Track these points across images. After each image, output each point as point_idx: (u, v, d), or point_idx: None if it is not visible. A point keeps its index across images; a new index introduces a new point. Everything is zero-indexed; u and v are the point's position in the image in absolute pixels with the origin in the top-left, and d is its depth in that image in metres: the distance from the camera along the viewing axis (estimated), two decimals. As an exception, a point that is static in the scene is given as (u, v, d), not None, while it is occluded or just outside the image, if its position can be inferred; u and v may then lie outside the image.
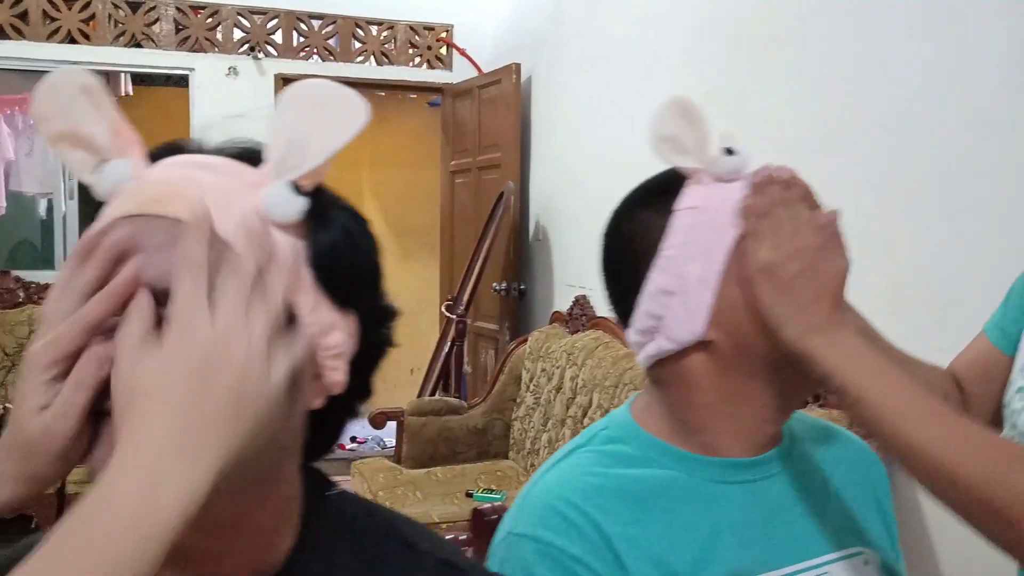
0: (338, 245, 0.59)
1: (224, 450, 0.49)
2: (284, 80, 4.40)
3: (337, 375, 0.60)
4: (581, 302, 3.32)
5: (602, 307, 3.19)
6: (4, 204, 4.36)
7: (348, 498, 0.68)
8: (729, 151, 0.79)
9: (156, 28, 4.20)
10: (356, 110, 0.59)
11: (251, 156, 0.59)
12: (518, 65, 3.89)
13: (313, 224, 0.59)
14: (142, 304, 0.51)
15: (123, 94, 5.19)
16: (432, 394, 3.78)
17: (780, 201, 0.76)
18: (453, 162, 4.50)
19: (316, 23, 4.45)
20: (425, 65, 4.64)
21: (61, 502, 3.33)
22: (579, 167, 3.49)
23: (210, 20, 4.28)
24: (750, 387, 0.79)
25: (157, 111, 5.18)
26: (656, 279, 0.78)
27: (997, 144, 1.58)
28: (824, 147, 2.03)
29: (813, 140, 2.06)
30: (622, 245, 0.82)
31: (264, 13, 4.35)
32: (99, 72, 3.97)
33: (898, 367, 0.73)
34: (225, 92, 4.28)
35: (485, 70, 4.36)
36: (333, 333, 0.59)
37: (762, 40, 2.28)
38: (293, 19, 4.41)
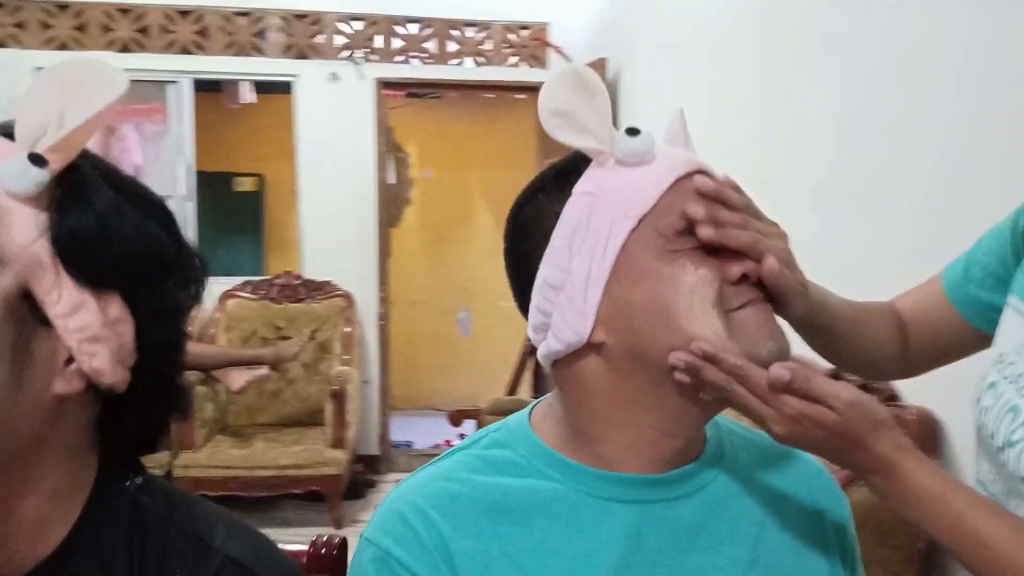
0: (83, 225, 0.58)
1: None
2: (383, 84, 4.51)
3: (96, 361, 0.59)
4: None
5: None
6: (132, 207, 4.71)
7: (153, 489, 0.67)
8: (632, 131, 0.70)
9: (263, 37, 4.42)
10: (108, 83, 0.59)
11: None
12: (603, 60, 3.80)
13: (63, 201, 0.58)
14: None
15: (245, 102, 5.50)
16: (512, 393, 3.76)
17: (727, 385, 0.67)
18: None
19: (413, 27, 4.53)
20: (523, 64, 4.62)
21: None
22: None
23: (313, 28, 4.45)
24: (647, 396, 0.70)
25: (277, 117, 5.45)
26: (544, 271, 0.72)
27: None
28: (874, 136, 1.86)
29: (865, 130, 1.89)
30: (519, 232, 0.75)
31: (364, 19, 4.48)
32: (217, 81, 4.20)
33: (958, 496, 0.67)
34: (327, 97, 4.44)
35: (579, 66, 4.29)
36: (79, 314, 0.58)
37: (805, 32, 2.12)
38: (391, 24, 4.51)
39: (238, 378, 3.71)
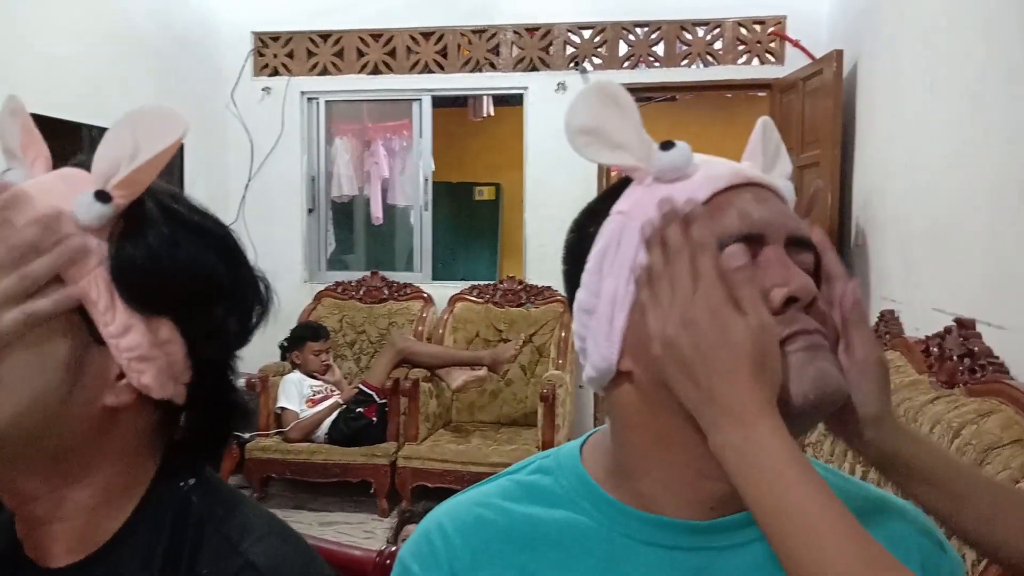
0: (137, 257, 0.64)
1: None
2: (609, 90, 4.50)
3: (144, 378, 0.65)
4: (887, 318, 2.88)
5: (911, 324, 2.75)
6: (381, 215, 5.13)
7: (206, 489, 0.71)
8: (666, 145, 0.66)
9: (496, 52, 4.61)
10: (172, 127, 0.64)
11: None
12: (839, 52, 3.50)
13: (123, 234, 0.65)
14: None
15: (485, 115, 5.78)
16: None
17: (679, 248, 0.61)
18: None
19: (642, 31, 4.49)
20: (755, 61, 4.40)
21: (393, 472, 3.84)
22: (892, 163, 3.03)
23: (543, 40, 4.56)
24: (680, 432, 0.64)
25: (514, 128, 5.67)
26: (579, 295, 0.69)
27: None
28: None
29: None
30: (566, 254, 0.73)
31: (592, 27, 4.51)
32: (461, 96, 4.49)
33: (818, 483, 0.56)
34: (554, 107, 4.52)
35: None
36: (129, 335, 0.64)
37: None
38: (619, 29, 4.50)
39: (458, 377, 3.90)
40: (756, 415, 0.57)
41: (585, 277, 0.67)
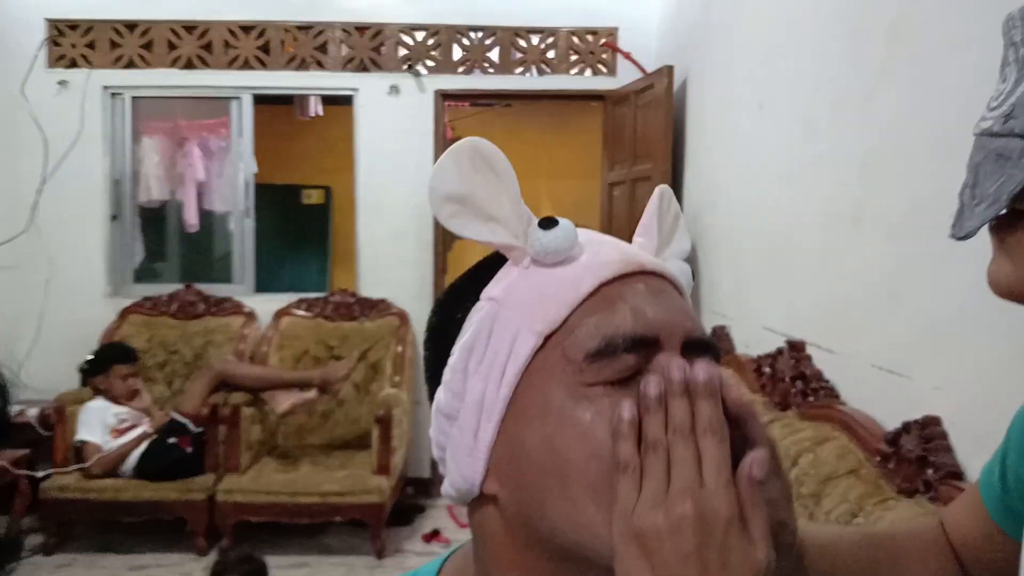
0: None
1: None
2: (444, 96, 4.37)
3: None
4: (718, 333, 2.92)
5: (741, 341, 2.79)
6: (196, 222, 4.73)
7: None
8: (547, 223, 0.54)
9: (324, 51, 4.35)
10: None
11: None
12: (670, 68, 3.54)
13: None
14: None
15: (313, 115, 5.48)
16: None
17: (677, 428, 0.47)
18: (612, 173, 4.23)
19: (476, 36, 4.38)
20: (588, 71, 4.40)
21: (212, 508, 3.52)
22: (724, 179, 3.09)
23: (374, 40, 4.36)
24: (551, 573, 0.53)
25: (344, 129, 5.41)
26: (439, 395, 0.56)
27: None
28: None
29: (941, 145, 1.59)
30: (427, 341, 0.60)
31: (426, 29, 4.36)
32: (282, 96, 4.16)
33: None
34: (387, 110, 4.34)
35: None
36: None
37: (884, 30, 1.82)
38: (453, 33, 4.37)
39: (285, 400, 3.63)
40: None
41: (447, 374, 0.55)
